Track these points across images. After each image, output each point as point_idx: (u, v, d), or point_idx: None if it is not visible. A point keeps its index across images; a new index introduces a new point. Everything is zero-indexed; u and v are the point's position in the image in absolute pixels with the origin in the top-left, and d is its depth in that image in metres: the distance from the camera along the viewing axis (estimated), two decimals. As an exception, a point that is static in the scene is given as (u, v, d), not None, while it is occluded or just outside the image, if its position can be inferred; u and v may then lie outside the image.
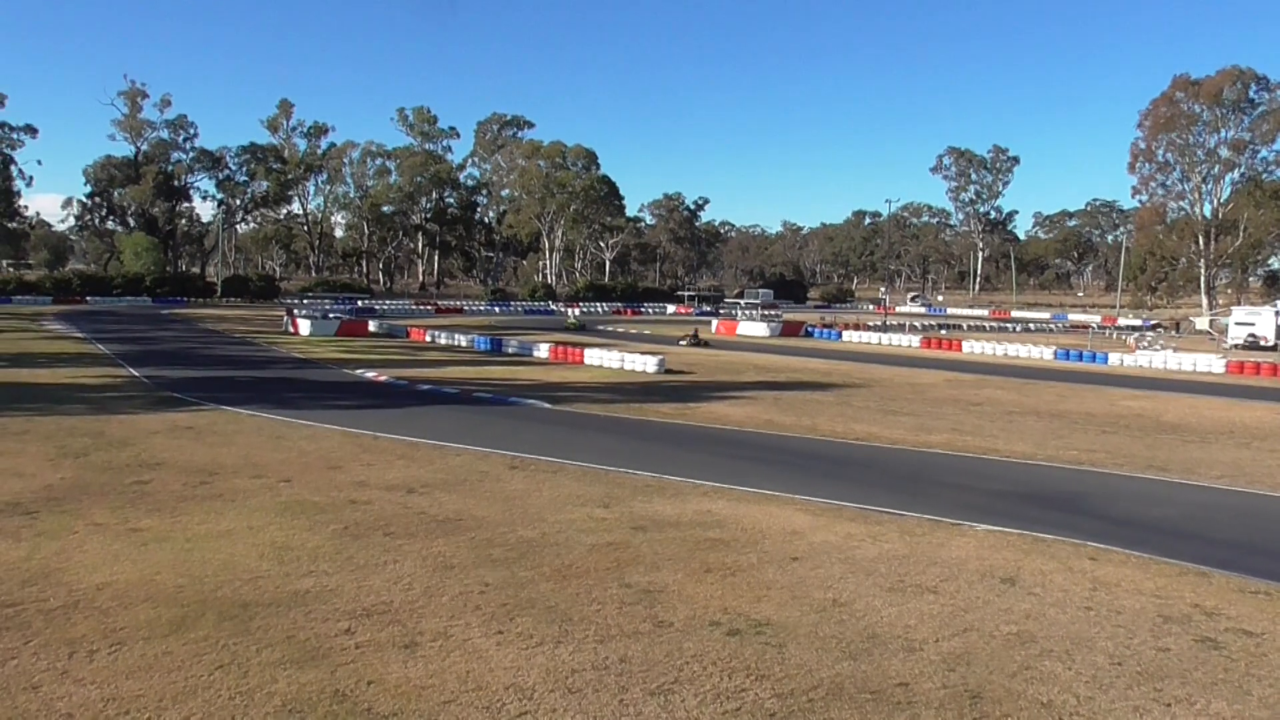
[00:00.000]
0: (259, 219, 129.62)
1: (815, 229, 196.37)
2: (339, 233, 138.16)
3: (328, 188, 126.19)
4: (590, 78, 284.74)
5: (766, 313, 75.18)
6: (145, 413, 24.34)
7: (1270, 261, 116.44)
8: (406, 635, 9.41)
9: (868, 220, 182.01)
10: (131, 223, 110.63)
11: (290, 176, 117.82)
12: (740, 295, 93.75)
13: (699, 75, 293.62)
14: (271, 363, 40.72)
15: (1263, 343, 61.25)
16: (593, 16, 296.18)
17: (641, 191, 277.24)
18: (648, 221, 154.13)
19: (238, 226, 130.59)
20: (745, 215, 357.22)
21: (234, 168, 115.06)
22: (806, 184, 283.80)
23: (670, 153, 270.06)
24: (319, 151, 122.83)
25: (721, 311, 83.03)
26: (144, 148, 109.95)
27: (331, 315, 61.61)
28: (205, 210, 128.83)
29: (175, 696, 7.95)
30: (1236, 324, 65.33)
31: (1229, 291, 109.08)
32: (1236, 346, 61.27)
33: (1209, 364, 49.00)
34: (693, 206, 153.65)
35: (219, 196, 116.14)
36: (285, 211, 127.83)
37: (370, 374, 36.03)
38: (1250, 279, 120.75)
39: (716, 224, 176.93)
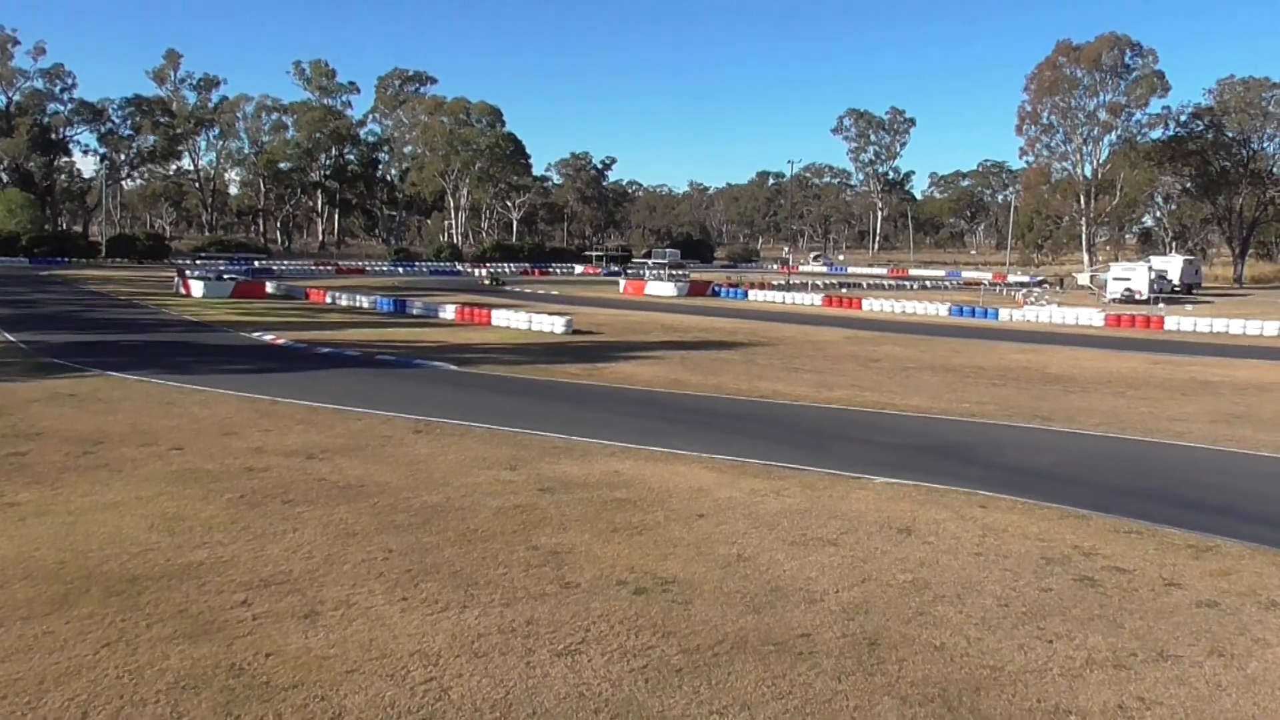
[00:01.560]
0: (146, 175, 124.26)
1: (721, 189, 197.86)
2: (233, 190, 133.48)
3: (220, 143, 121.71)
4: (494, 34, 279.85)
5: (674, 273, 75.49)
6: (22, 380, 23.26)
7: (1144, 219, 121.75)
8: (307, 605, 9.23)
9: (772, 181, 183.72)
10: (4, 178, 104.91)
11: (179, 131, 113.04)
12: (648, 255, 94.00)
13: (604, 34, 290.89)
14: (161, 326, 39.34)
15: (1138, 296, 64.08)
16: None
17: (549, 150, 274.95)
18: (555, 181, 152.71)
19: (123, 183, 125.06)
20: (653, 175, 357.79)
21: (117, 121, 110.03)
22: (712, 145, 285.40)
23: (577, 112, 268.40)
24: (210, 105, 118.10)
25: (629, 271, 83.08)
26: (16, 98, 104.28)
27: (226, 276, 59.69)
28: (87, 165, 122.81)
29: (58, 678, 7.61)
30: (1114, 279, 68.16)
31: (1108, 248, 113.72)
32: (1114, 300, 63.93)
33: (1090, 318, 51.25)
34: (600, 166, 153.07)
35: (101, 151, 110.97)
36: (175, 167, 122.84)
37: (268, 337, 35.11)
38: (1127, 236, 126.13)
39: (624, 184, 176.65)
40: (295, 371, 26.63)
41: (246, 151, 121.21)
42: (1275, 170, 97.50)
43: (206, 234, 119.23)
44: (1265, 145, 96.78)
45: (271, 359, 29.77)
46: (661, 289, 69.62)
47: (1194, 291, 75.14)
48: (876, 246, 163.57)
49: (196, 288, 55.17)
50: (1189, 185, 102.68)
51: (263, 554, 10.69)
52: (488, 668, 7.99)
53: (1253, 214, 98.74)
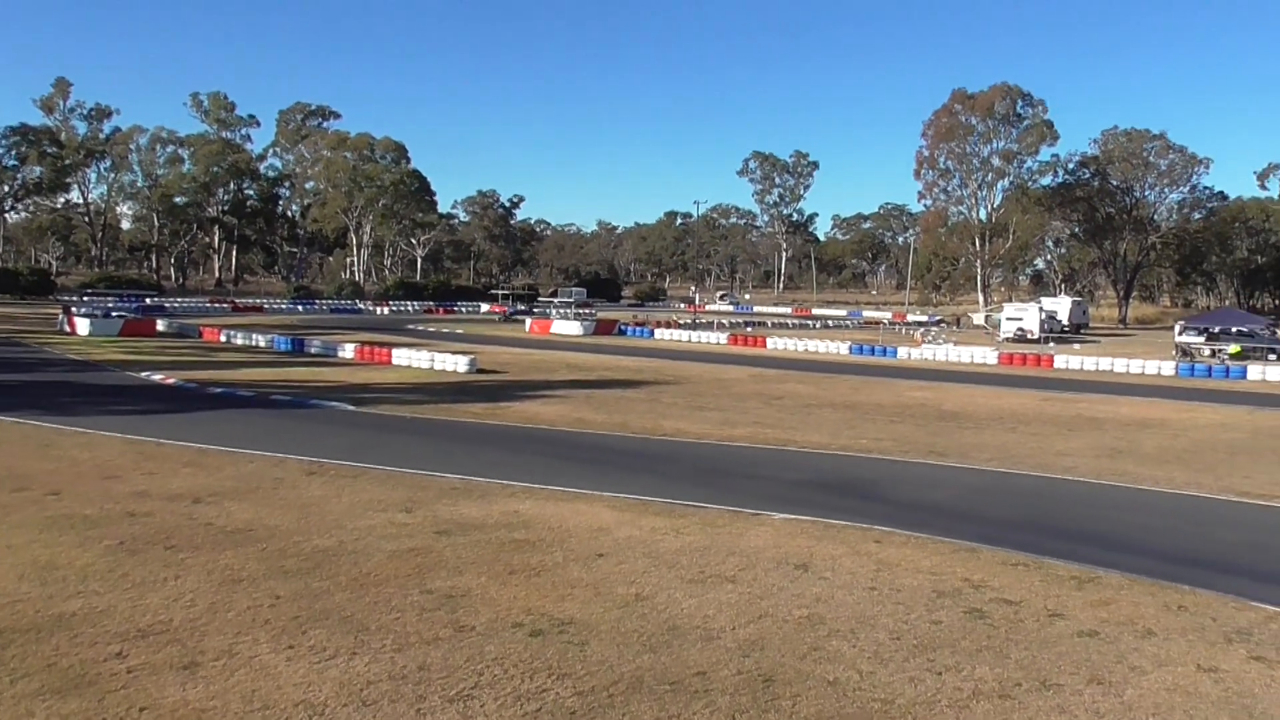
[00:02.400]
0: (32, 208, 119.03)
1: (629, 228, 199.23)
2: (126, 225, 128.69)
3: (112, 176, 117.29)
4: (400, 70, 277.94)
5: (581, 311, 75.62)
6: (-109, 424, 22.02)
7: (1036, 262, 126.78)
8: (186, 655, 8.84)
9: (679, 221, 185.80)
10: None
11: (68, 162, 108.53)
12: (555, 294, 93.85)
13: (512, 72, 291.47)
14: (43, 365, 37.73)
15: (1029, 336, 66.56)
16: (401, 6, 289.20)
17: (455, 188, 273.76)
18: (461, 219, 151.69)
19: (6, 216, 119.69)
20: (561, 214, 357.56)
21: (1, 150, 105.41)
22: (621, 184, 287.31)
23: (485, 150, 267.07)
24: (101, 136, 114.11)
25: (536, 310, 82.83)
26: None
27: (114, 314, 57.53)
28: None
29: (-85, 737, 7.18)
30: (1007, 319, 70.70)
31: (1002, 289, 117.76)
32: (1008, 339, 66.23)
33: (984, 356, 53.06)
34: (508, 204, 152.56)
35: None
36: (63, 200, 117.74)
37: (157, 376, 33.93)
38: (1020, 278, 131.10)
39: (532, 222, 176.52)
40: (185, 412, 25.77)
41: (140, 185, 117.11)
42: (1156, 218, 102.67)
43: (96, 270, 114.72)
44: (1146, 194, 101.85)
45: (160, 399, 28.74)
46: (568, 328, 69.58)
47: (1082, 331, 78.28)
48: (781, 286, 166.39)
49: (82, 325, 53.02)
50: (1077, 230, 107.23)
51: (141, 603, 10.23)
52: (376, 716, 7.76)
53: (1136, 258, 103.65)
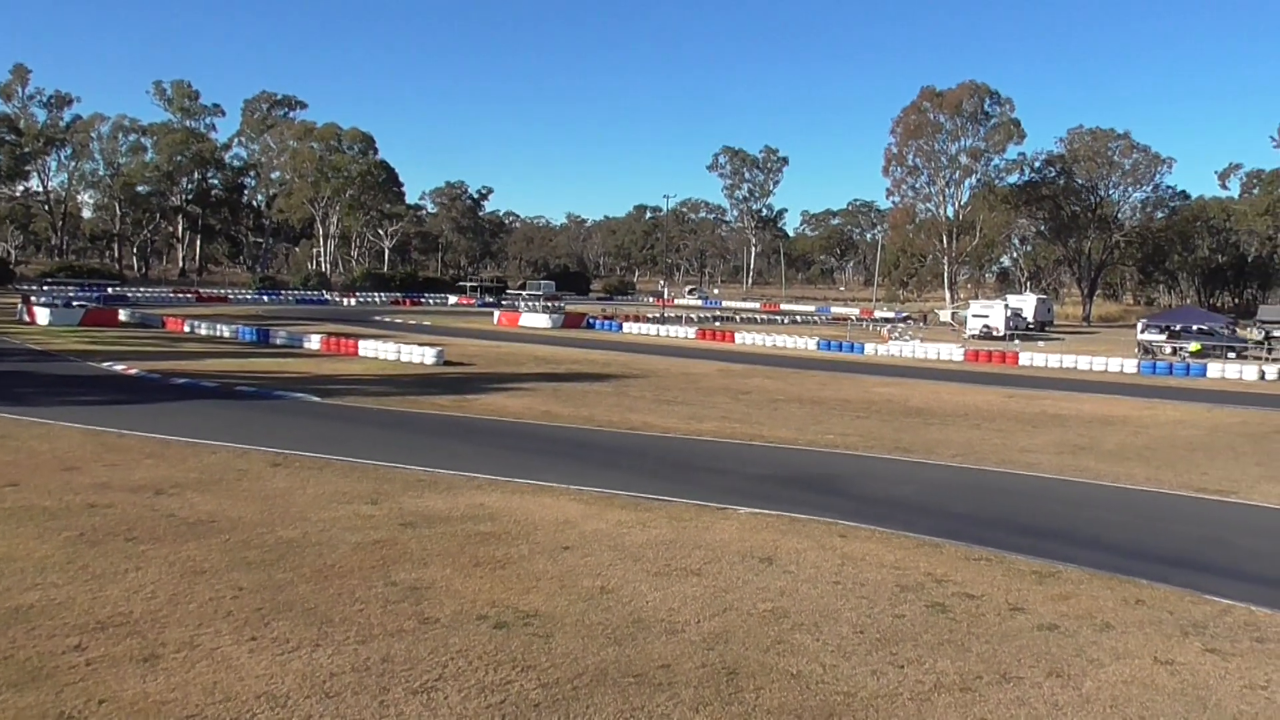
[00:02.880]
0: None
1: (599, 222, 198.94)
2: (87, 213, 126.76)
3: (73, 164, 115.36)
4: (367, 60, 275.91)
5: (549, 304, 75.36)
6: None
7: (1002, 259, 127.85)
8: (147, 647, 8.76)
9: (649, 215, 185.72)
10: None
11: (27, 150, 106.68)
12: (524, 286, 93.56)
13: (481, 63, 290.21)
14: (1, 355, 37.07)
15: (995, 333, 67.07)
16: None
17: (423, 179, 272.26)
18: (430, 210, 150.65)
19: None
20: (530, 206, 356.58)
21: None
22: (591, 177, 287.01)
23: (453, 141, 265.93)
24: (61, 124, 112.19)
25: (504, 303, 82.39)
26: None
27: (75, 303, 56.60)
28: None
29: None
30: (973, 316, 71.20)
31: (969, 286, 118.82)
32: (974, 336, 66.77)
33: (950, 352, 53.41)
34: (476, 196, 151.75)
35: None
36: (22, 188, 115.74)
37: (119, 367, 33.51)
38: (986, 275, 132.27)
39: (501, 214, 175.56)
40: (147, 403, 25.46)
41: (101, 173, 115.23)
42: (1120, 216, 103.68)
43: (56, 259, 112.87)
44: (1111, 193, 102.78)
45: (122, 390, 28.40)
46: (536, 321, 69.41)
47: (1046, 329, 79.01)
48: (750, 281, 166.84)
49: (42, 315, 52.15)
50: (1043, 228, 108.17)
51: (101, 595, 10.12)
52: (339, 708, 7.74)
53: (1100, 257, 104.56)
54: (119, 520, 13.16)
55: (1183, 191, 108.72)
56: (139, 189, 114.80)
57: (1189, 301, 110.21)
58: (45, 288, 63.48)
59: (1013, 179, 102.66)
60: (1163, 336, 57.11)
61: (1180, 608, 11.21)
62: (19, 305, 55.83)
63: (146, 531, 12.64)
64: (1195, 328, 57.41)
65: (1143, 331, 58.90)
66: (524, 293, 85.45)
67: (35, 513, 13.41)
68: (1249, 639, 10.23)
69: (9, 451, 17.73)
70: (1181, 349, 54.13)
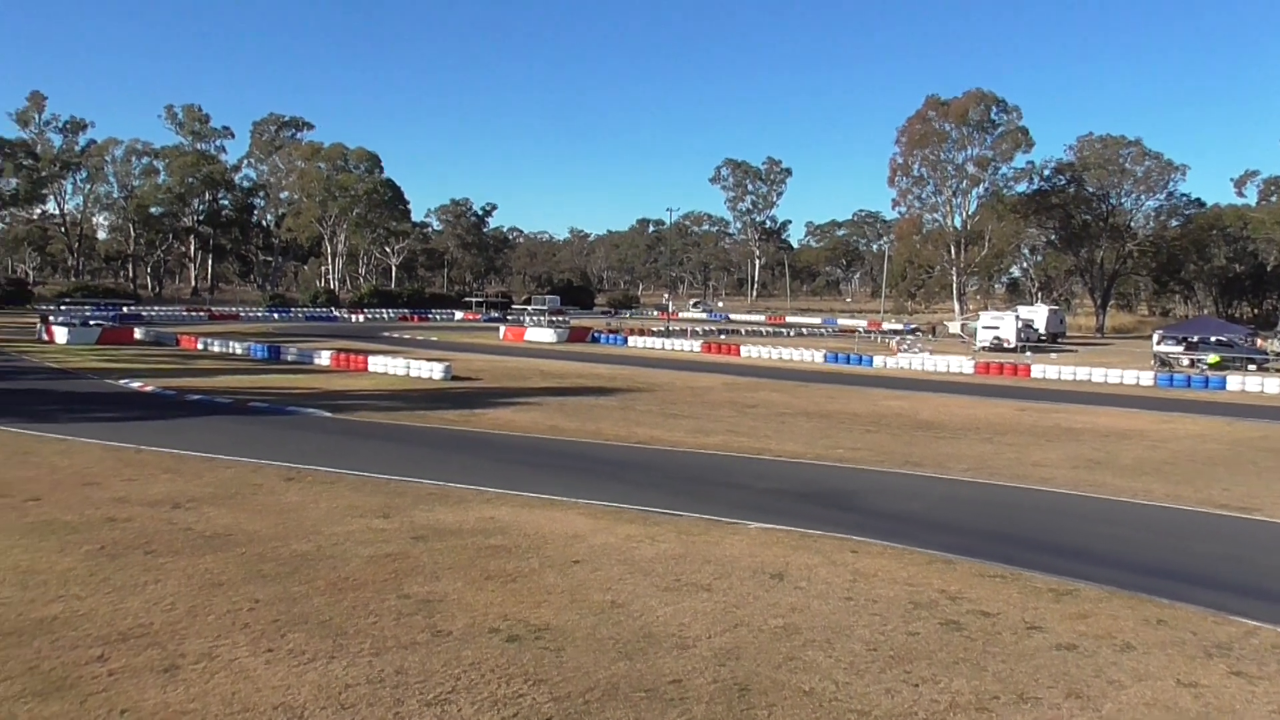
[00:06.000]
0: (8, 219, 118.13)
1: (602, 236, 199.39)
2: (102, 235, 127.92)
3: (88, 187, 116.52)
4: (372, 80, 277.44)
5: (554, 319, 75.51)
6: None
7: (1012, 270, 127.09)
8: (166, 658, 8.92)
9: (652, 228, 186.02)
10: None
11: (44, 174, 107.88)
12: (528, 301, 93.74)
13: (485, 82, 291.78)
14: (21, 373, 37.44)
15: (1006, 345, 66.72)
16: (374, 16, 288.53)
17: (428, 196, 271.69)
18: (435, 227, 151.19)
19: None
20: (533, 222, 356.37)
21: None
22: (593, 192, 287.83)
23: (457, 158, 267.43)
24: (77, 148, 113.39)
25: (510, 318, 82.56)
26: None
27: (92, 322, 57.14)
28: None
29: (-107, 743, 7.20)
30: (984, 328, 70.75)
31: (978, 297, 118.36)
32: (984, 348, 66.44)
33: (960, 365, 53.05)
34: (480, 212, 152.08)
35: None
36: (39, 211, 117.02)
37: (135, 384, 33.79)
38: (995, 286, 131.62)
39: (505, 230, 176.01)
40: (163, 419, 25.68)
41: (115, 196, 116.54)
42: (1133, 225, 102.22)
43: (73, 279, 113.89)
44: (1123, 201, 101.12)
45: (138, 407, 28.64)
46: (541, 335, 69.51)
47: (1059, 340, 78.47)
48: (755, 294, 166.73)
49: (60, 334, 52.68)
50: (1053, 238, 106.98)
51: (122, 607, 10.29)
52: (354, 719, 7.84)
53: (1113, 266, 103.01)
54: (138, 534, 13.35)
55: (1197, 199, 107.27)
56: (152, 210, 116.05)
57: (1206, 312, 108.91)
58: (63, 307, 64.20)
59: (1021, 188, 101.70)
60: (1180, 348, 56.41)
61: (1203, 628, 11.03)
62: (38, 325, 56.39)
63: (165, 545, 12.82)
64: (1213, 339, 56.49)
65: (1159, 343, 58.25)
66: (529, 308, 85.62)
67: (57, 526, 13.62)
68: (1276, 662, 10.03)
69: (31, 467, 17.99)
70: (1199, 361, 53.54)
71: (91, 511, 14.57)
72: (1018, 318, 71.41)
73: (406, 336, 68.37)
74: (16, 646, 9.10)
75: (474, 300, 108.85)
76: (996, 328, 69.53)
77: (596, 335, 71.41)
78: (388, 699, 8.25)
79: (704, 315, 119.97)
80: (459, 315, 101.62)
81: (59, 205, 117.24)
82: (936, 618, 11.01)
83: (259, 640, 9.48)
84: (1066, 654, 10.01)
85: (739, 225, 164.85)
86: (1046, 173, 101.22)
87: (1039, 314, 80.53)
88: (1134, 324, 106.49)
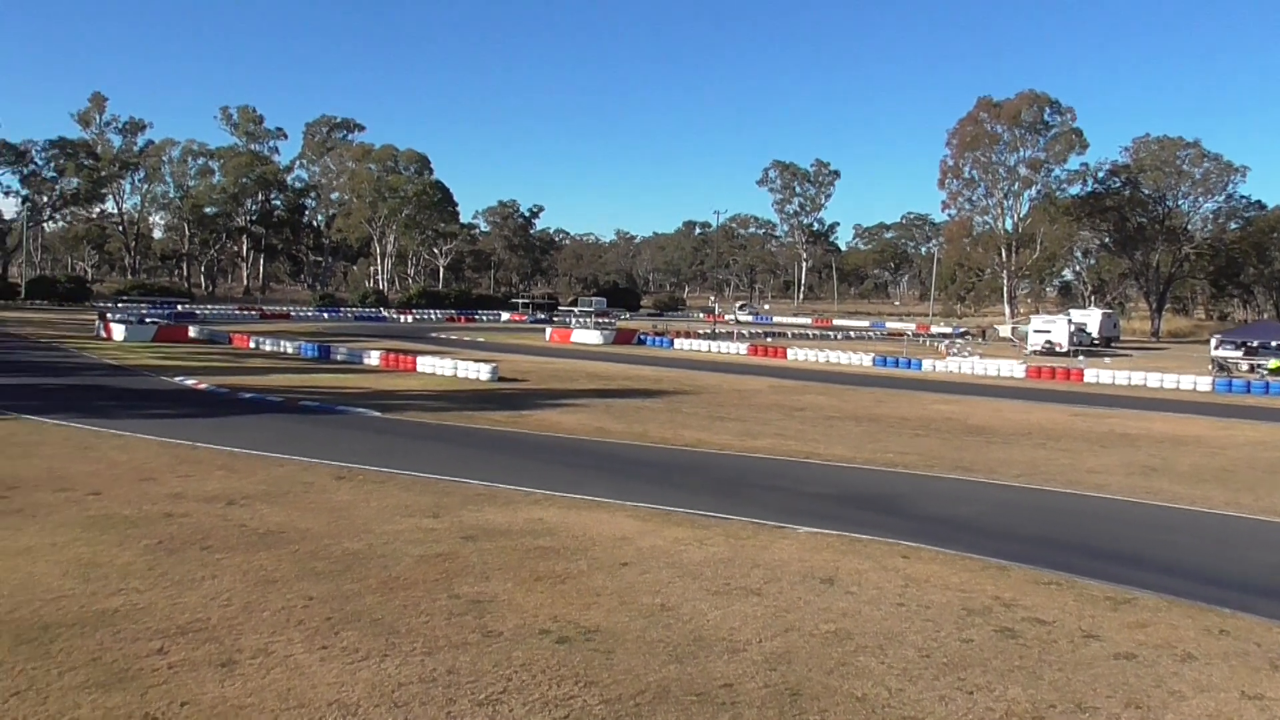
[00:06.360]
0: (69, 217, 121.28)
1: (648, 238, 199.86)
2: (157, 234, 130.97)
3: (145, 187, 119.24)
4: (423, 82, 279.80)
5: (600, 320, 75.73)
6: (-69, 424, 22.48)
7: (1064, 273, 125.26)
8: (224, 653, 9.05)
9: (698, 230, 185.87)
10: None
11: (104, 174, 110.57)
12: (574, 303, 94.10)
13: (533, 82, 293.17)
14: (81, 369, 38.31)
15: (1058, 349, 65.76)
16: (424, 19, 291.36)
17: (476, 198, 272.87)
18: (482, 228, 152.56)
19: (44, 225, 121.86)
20: (580, 223, 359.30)
21: (41, 163, 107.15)
22: (639, 194, 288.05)
23: (505, 160, 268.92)
24: (135, 149, 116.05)
25: (556, 319, 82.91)
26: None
27: (148, 320, 58.43)
28: (8, 207, 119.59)
29: (-36, 728, 7.38)
30: (1035, 331, 69.81)
31: (1029, 301, 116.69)
32: (1035, 352, 65.60)
33: (1011, 369, 52.45)
34: (527, 214, 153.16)
35: (24, 193, 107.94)
36: (98, 210, 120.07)
37: (189, 381, 34.41)
38: (1047, 289, 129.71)
39: (551, 231, 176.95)
40: (217, 417, 26.12)
41: (171, 195, 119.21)
42: (1190, 227, 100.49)
43: (129, 277, 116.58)
44: (1180, 203, 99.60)
45: (193, 404, 29.17)
46: (587, 337, 69.74)
47: (1112, 345, 77.16)
48: (801, 297, 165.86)
49: (118, 331, 53.93)
50: (1107, 240, 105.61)
51: (180, 601, 10.47)
52: (407, 717, 7.91)
53: (1169, 269, 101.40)
54: (194, 529, 13.58)
55: (1258, 201, 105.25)
56: (206, 210, 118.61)
57: (1265, 316, 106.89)
58: (120, 305, 65.66)
59: (1075, 190, 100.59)
60: (1239, 353, 55.20)
61: (1268, 639, 10.79)
62: (97, 322, 57.69)
63: (220, 541, 13.03)
64: (1274, 343, 55.34)
65: (1217, 348, 56.96)
66: (575, 309, 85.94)
67: (116, 521, 13.91)
68: (1344, 675, 9.76)
69: (91, 461, 18.40)
70: (1259, 366, 52.39)
71: (149, 506, 14.85)
72: (1070, 321, 70.32)
73: (454, 337, 68.97)
74: (80, 638, 9.29)
75: (520, 301, 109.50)
76: (1048, 331, 68.59)
77: (642, 337, 71.52)
78: (440, 698, 8.30)
79: (750, 318, 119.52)
80: (505, 316, 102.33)
81: (117, 204, 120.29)
82: (990, 625, 10.86)
83: (313, 637, 9.58)
84: (1125, 663, 9.83)
85: (786, 227, 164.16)
86: (1101, 175, 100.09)
87: (1092, 318, 79.29)
88: (1190, 328, 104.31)
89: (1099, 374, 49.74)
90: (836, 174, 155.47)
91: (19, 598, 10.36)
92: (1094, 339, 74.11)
